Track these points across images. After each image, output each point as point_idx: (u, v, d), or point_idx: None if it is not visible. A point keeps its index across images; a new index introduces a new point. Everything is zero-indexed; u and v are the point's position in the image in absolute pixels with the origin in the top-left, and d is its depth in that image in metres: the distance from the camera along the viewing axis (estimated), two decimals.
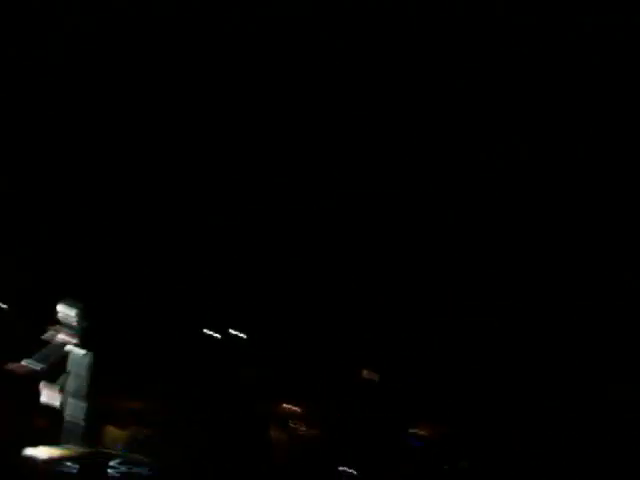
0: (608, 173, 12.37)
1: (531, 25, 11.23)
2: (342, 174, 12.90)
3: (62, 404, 8.50)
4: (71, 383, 8.55)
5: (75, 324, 8.66)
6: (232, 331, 13.66)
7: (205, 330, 13.54)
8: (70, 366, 8.61)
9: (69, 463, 7.95)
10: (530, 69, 11.70)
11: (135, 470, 8.43)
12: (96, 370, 8.67)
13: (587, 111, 11.87)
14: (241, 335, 13.74)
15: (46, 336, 8.64)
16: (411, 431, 12.18)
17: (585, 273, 12.78)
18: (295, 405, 12.44)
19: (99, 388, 8.86)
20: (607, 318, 12.48)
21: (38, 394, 8.50)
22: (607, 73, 11.40)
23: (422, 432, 12.21)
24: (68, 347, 8.59)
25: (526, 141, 12.36)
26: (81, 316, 8.72)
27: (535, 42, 11.37)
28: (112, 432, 10.33)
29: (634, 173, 12.14)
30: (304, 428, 12.06)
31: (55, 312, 8.74)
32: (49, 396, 8.50)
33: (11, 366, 8.35)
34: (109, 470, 8.20)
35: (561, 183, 12.66)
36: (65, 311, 8.73)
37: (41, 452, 8.02)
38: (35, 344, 8.57)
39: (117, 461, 8.37)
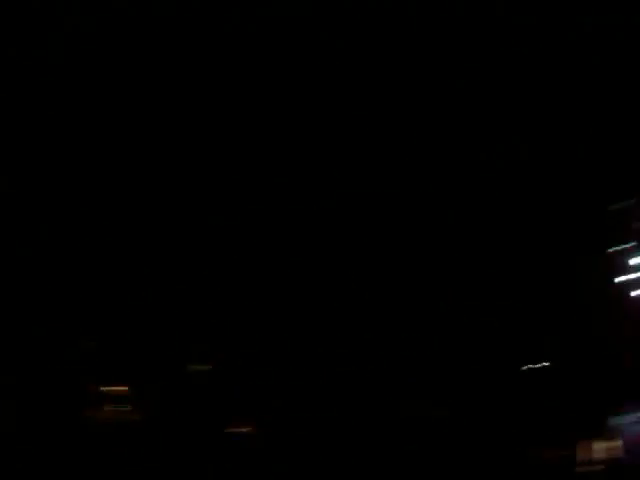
0: (607, 173, 12.39)
1: (531, 25, 11.26)
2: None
3: None
4: None
5: None
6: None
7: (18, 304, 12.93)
8: None
9: None
10: (530, 69, 11.72)
11: None
12: None
13: (587, 111, 11.89)
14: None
15: None
16: (233, 429, 11.99)
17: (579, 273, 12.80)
18: (120, 386, 12.15)
19: None
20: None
21: None
22: (607, 73, 11.43)
23: (243, 428, 12.04)
24: None
25: (526, 141, 12.38)
26: None
27: (535, 42, 11.40)
28: None
29: (634, 172, 12.17)
30: (126, 410, 11.83)
31: None
32: None
33: None
34: None
35: (560, 183, 12.68)
36: None
37: None
38: None
39: None
